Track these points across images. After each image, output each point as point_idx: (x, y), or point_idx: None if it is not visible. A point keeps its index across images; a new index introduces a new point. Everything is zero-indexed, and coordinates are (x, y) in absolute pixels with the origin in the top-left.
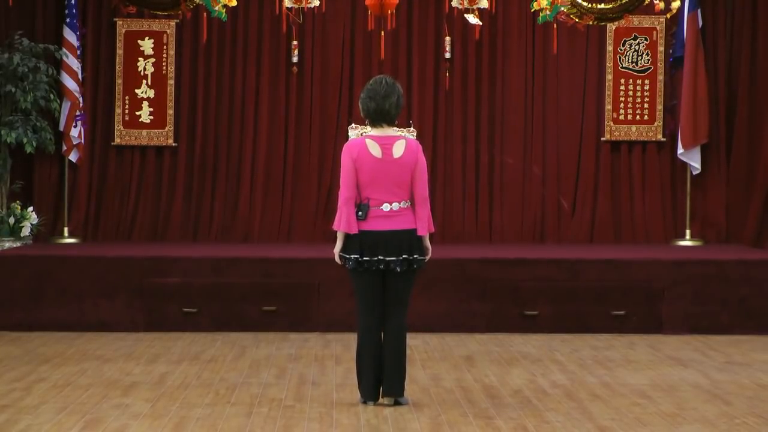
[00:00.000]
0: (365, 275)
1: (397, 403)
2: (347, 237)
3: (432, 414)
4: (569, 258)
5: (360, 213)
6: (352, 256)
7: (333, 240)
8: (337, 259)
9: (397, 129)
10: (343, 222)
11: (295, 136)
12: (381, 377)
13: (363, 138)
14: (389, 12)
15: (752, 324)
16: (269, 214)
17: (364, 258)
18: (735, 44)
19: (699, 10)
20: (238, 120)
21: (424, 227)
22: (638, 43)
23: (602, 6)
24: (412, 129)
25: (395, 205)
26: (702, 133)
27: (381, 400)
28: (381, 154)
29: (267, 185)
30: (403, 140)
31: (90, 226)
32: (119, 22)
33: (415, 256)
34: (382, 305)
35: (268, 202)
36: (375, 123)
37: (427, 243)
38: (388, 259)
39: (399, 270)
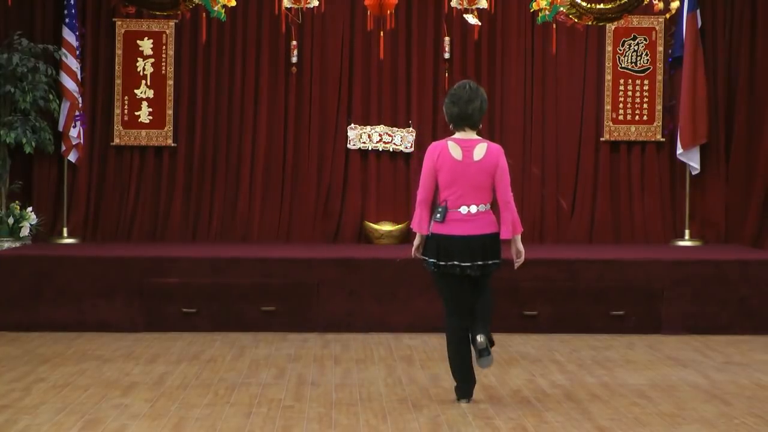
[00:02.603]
0: (445, 278)
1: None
2: (427, 239)
3: (431, 414)
4: (568, 258)
5: (438, 215)
6: (430, 259)
7: (331, 240)
8: (413, 252)
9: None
10: (416, 222)
11: (294, 137)
12: (473, 377)
13: (446, 140)
14: (388, 12)
15: (751, 324)
16: (268, 214)
17: (440, 263)
18: (734, 44)
19: (698, 11)
20: (237, 120)
21: (507, 231)
22: (637, 44)
23: (601, 6)
24: (411, 129)
25: (473, 208)
26: (701, 133)
27: (461, 401)
28: (462, 156)
29: (266, 185)
30: (484, 144)
31: (89, 226)
32: (118, 23)
33: (489, 261)
34: (466, 305)
35: (268, 202)
36: (458, 127)
37: (520, 246)
38: (463, 264)
39: (473, 275)
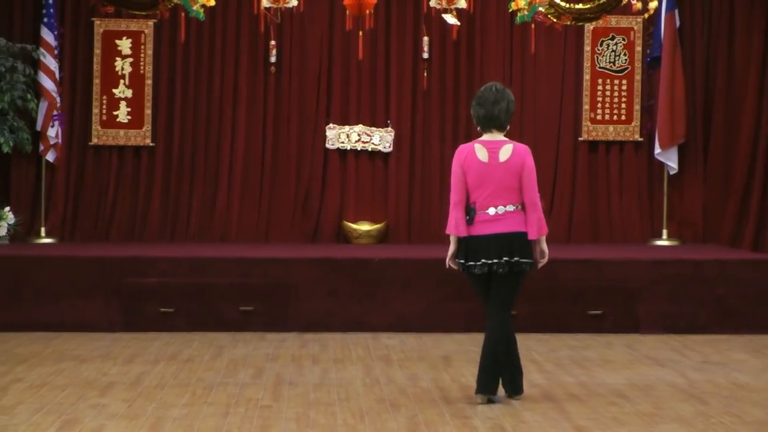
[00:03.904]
0: (473, 278)
1: (489, 401)
2: (458, 241)
3: (409, 413)
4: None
5: (468, 217)
6: (459, 260)
7: (309, 240)
8: (447, 262)
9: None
10: (452, 225)
11: (273, 136)
12: (494, 372)
13: (473, 142)
14: (367, 12)
15: (729, 323)
16: (247, 214)
17: (469, 262)
18: (712, 44)
19: (676, 11)
20: (216, 120)
21: (533, 231)
22: (616, 43)
23: (580, 6)
24: (390, 129)
25: (501, 209)
26: (679, 133)
27: (475, 397)
28: (488, 158)
29: (245, 185)
30: (510, 144)
31: (67, 226)
32: (97, 22)
33: (516, 259)
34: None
35: (246, 201)
36: (485, 128)
37: (544, 246)
38: (489, 262)
39: (500, 272)
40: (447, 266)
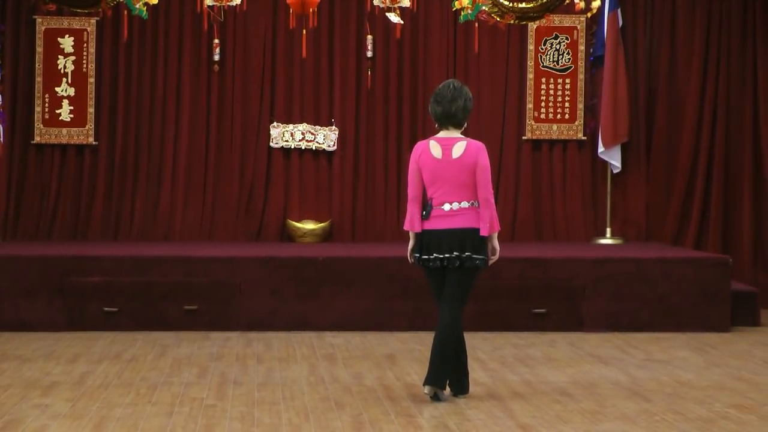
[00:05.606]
0: (429, 272)
1: (435, 397)
2: (415, 235)
3: (353, 412)
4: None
5: (424, 212)
6: (415, 254)
7: (253, 239)
8: (408, 257)
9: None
10: (407, 221)
11: (216, 135)
12: (443, 368)
13: (428, 139)
14: (311, 10)
15: (671, 321)
16: (190, 213)
17: (423, 256)
18: (654, 43)
19: (619, 10)
20: (159, 118)
21: (485, 228)
22: (559, 42)
23: (523, 5)
24: (334, 127)
25: (455, 205)
26: (622, 131)
27: (423, 388)
28: (441, 154)
29: (188, 184)
30: (464, 141)
31: (9, 225)
32: (39, 20)
33: (467, 254)
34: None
35: (190, 200)
36: (442, 126)
37: (495, 243)
38: (441, 256)
39: (451, 267)
40: (410, 261)
